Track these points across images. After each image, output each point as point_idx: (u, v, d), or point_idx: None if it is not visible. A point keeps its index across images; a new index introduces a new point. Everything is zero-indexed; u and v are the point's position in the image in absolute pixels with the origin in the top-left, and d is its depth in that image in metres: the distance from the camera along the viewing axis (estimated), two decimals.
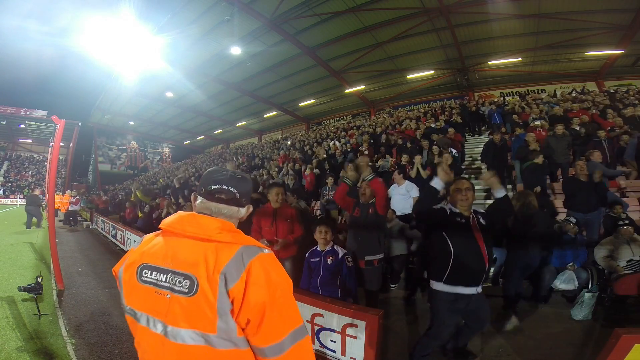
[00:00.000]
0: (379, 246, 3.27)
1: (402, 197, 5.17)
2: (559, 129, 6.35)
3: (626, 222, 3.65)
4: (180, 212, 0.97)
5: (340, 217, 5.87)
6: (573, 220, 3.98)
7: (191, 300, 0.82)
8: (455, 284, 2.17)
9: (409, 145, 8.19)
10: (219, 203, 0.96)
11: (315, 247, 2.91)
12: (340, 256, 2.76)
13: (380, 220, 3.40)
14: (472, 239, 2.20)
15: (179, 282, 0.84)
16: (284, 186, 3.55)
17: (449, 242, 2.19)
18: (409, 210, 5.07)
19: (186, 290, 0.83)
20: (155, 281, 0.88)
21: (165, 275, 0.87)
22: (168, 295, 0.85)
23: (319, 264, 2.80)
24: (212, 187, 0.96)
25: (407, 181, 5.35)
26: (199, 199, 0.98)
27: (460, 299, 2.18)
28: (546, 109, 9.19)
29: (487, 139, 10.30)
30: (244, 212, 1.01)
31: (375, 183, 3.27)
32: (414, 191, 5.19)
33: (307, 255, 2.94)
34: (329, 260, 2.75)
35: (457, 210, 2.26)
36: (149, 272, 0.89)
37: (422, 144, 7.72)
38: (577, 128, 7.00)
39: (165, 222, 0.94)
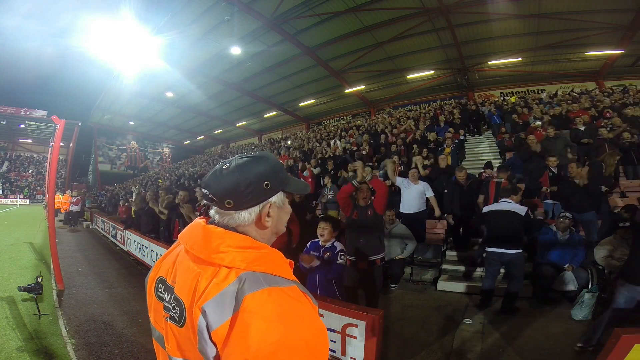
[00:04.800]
0: (380, 245, 3.32)
1: (416, 195, 5.12)
2: (550, 131, 6.31)
3: (627, 223, 3.63)
4: (196, 220, 0.76)
5: (339, 217, 5.86)
6: (569, 215, 3.97)
7: (181, 331, 0.66)
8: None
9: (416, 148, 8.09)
10: (219, 209, 0.73)
11: (318, 239, 2.87)
12: (336, 251, 2.76)
13: (379, 220, 3.42)
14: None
15: (174, 307, 0.68)
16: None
17: None
18: (420, 209, 5.09)
19: (177, 319, 0.67)
20: (163, 298, 0.73)
21: (169, 295, 0.71)
22: (167, 319, 0.70)
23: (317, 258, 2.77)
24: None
25: (421, 181, 5.28)
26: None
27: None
28: (546, 109, 9.17)
29: (487, 139, 10.33)
30: (245, 216, 0.71)
31: (375, 182, 3.29)
32: (430, 191, 5.14)
33: (309, 244, 2.89)
34: (326, 257, 2.76)
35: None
36: (162, 287, 0.74)
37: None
38: (582, 128, 6.92)
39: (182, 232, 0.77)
